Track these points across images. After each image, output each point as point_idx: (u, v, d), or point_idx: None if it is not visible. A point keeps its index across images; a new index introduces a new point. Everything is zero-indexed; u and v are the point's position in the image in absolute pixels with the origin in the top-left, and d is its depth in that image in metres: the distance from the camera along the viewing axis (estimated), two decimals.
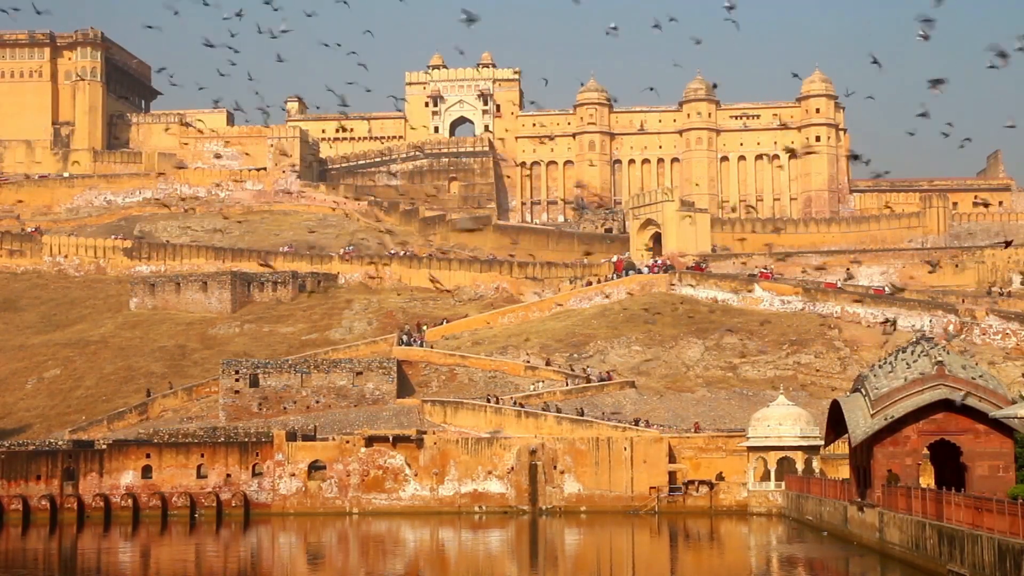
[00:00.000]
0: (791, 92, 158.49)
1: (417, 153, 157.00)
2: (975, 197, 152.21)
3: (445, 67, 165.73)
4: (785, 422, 72.27)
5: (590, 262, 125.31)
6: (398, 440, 78.62)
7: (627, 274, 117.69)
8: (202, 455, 79.35)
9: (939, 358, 50.78)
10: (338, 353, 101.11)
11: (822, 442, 67.30)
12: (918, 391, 50.25)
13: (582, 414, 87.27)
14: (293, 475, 78.39)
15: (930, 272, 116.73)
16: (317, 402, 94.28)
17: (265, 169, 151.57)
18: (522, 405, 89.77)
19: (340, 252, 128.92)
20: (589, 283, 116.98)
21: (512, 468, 77.78)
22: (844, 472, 66.86)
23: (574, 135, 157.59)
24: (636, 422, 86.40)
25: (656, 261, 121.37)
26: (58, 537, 68.98)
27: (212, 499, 77.52)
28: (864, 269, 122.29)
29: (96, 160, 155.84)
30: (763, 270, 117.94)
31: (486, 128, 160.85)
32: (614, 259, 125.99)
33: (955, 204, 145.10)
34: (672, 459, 77.82)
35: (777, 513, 72.06)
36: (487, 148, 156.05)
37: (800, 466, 71.43)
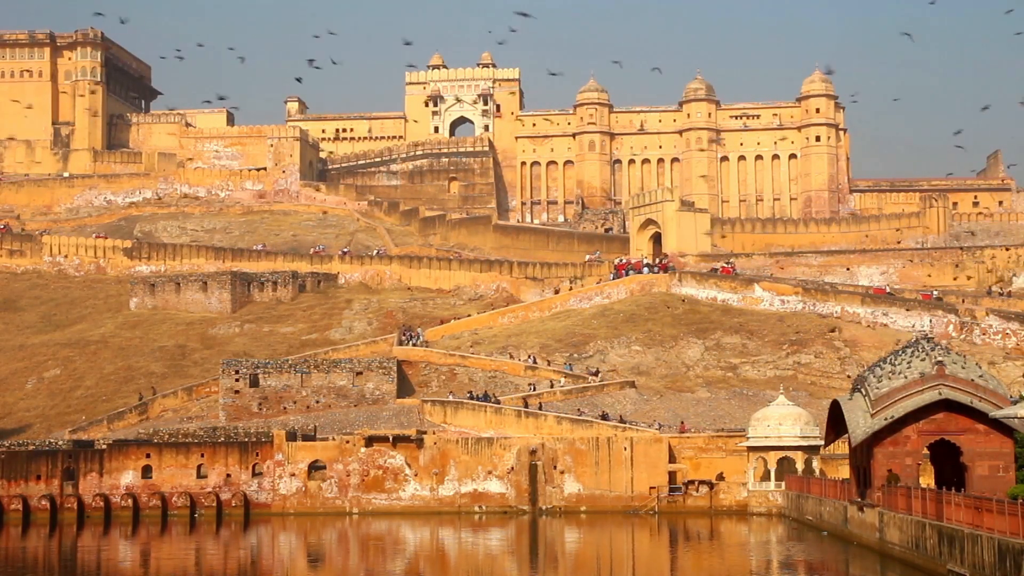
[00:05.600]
0: (791, 92, 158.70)
1: (417, 153, 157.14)
2: (974, 197, 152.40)
3: (445, 67, 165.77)
4: (785, 422, 72.27)
5: (597, 260, 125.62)
6: (398, 440, 78.64)
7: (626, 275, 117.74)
8: (202, 455, 79.36)
9: (939, 358, 50.78)
10: (338, 353, 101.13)
11: (822, 442, 67.30)
12: (918, 391, 50.25)
13: (539, 406, 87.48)
14: (293, 475, 78.41)
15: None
16: (317, 402, 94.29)
17: (265, 169, 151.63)
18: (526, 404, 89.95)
19: (311, 252, 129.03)
20: (575, 283, 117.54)
21: (512, 468, 77.80)
22: (844, 472, 66.88)
23: (574, 135, 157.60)
24: (620, 419, 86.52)
25: (623, 261, 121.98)
26: (58, 537, 68.98)
27: (212, 499, 77.54)
28: (864, 269, 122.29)
29: (96, 160, 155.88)
30: (725, 265, 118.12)
31: (486, 128, 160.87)
32: (587, 258, 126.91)
33: (955, 204, 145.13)
34: (672, 459, 77.84)
35: (777, 513, 72.07)
36: (487, 148, 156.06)
37: (800, 466, 71.44)
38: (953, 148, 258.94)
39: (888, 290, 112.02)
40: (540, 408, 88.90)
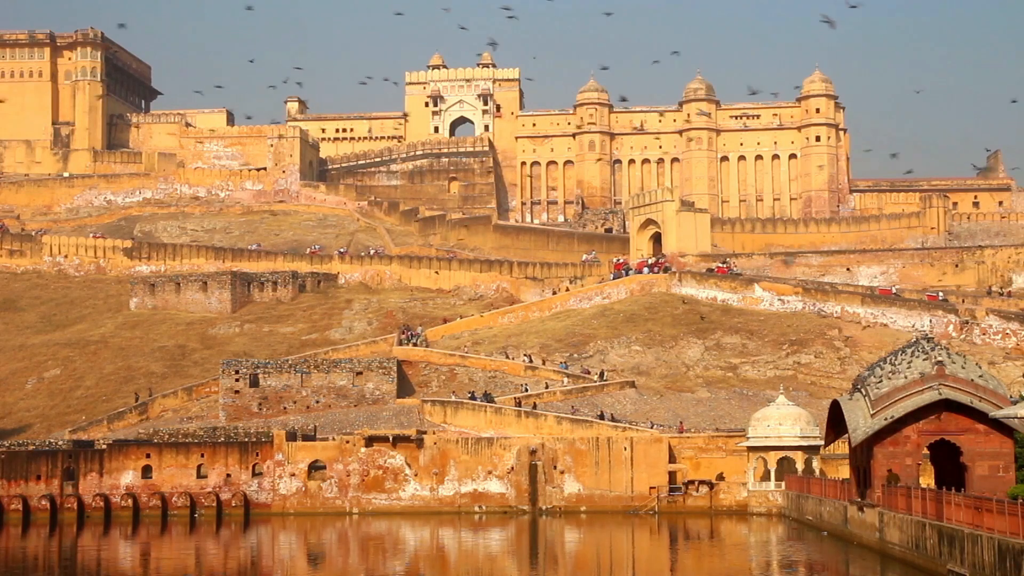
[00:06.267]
0: (791, 92, 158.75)
1: (417, 153, 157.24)
2: (974, 197, 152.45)
3: (445, 67, 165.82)
4: (785, 422, 72.23)
5: (593, 260, 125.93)
6: (398, 440, 78.62)
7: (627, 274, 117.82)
8: (202, 455, 79.32)
9: (939, 358, 50.76)
10: (338, 353, 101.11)
11: (822, 442, 67.27)
12: (918, 391, 50.22)
13: (534, 406, 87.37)
14: (293, 475, 78.39)
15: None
16: (317, 402, 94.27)
17: (265, 169, 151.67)
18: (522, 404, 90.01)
19: (307, 251, 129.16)
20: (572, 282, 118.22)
21: (512, 468, 77.78)
22: (844, 472, 66.86)
23: (574, 135, 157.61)
24: (612, 418, 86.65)
25: (619, 260, 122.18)
26: (58, 537, 68.97)
27: (212, 499, 77.50)
28: (864, 269, 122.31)
29: (96, 160, 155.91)
30: (720, 264, 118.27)
31: (486, 128, 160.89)
32: (583, 258, 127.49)
33: (955, 204, 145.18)
34: (672, 459, 77.82)
35: (777, 513, 72.05)
36: (487, 148, 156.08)
37: (800, 466, 71.42)
38: (952, 148, 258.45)
39: (895, 291, 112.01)
40: (534, 408, 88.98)
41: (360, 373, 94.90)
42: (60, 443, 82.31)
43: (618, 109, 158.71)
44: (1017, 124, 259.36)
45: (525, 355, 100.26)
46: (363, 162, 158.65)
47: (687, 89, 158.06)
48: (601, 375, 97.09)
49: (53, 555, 61.71)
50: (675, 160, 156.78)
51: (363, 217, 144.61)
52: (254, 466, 78.90)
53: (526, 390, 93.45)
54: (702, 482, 76.17)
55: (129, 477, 78.48)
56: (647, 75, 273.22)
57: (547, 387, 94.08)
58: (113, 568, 56.35)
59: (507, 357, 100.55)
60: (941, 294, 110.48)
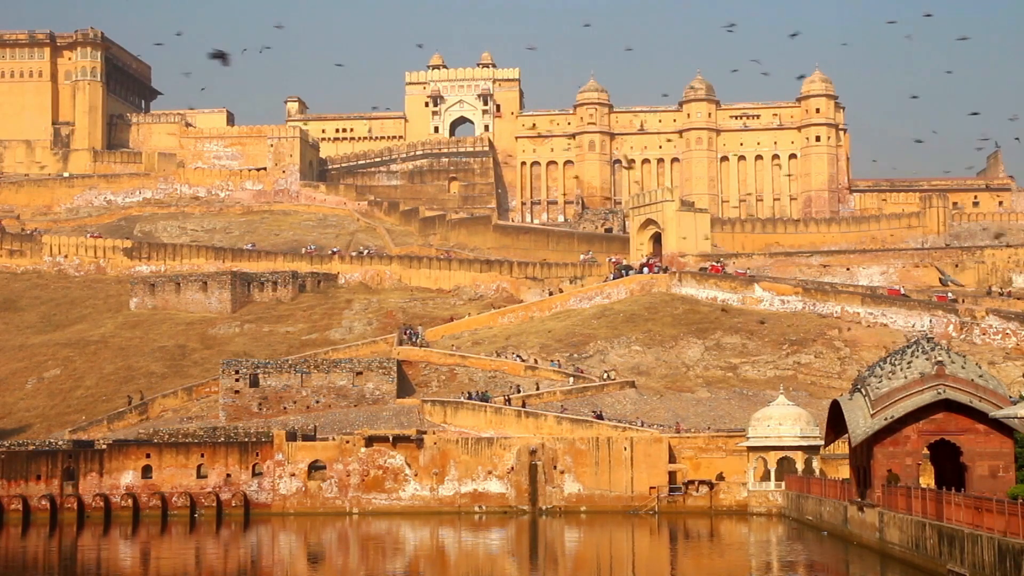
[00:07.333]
0: (791, 92, 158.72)
1: (417, 153, 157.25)
2: (974, 197, 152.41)
3: (445, 67, 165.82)
4: (785, 422, 72.26)
5: (590, 260, 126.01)
6: (398, 440, 78.63)
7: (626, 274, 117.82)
8: (202, 455, 79.35)
9: (939, 358, 50.76)
10: (338, 353, 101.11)
11: (822, 442, 67.31)
12: (918, 391, 50.23)
13: (523, 404, 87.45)
14: (293, 475, 78.40)
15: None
16: (317, 402, 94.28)
17: (265, 169, 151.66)
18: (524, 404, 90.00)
19: (303, 251, 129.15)
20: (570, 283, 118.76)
21: (512, 468, 77.79)
22: (844, 472, 66.89)
23: (574, 135, 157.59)
24: (600, 416, 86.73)
25: (612, 260, 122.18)
26: (58, 537, 68.98)
27: (212, 499, 77.52)
28: (864, 269, 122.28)
29: (96, 160, 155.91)
30: (715, 264, 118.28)
31: (486, 128, 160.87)
32: (581, 258, 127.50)
33: (955, 204, 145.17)
34: (672, 459, 77.83)
35: (777, 513, 72.07)
36: (487, 148, 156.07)
37: (800, 466, 71.44)
38: (952, 148, 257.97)
39: (902, 291, 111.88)
40: (523, 406, 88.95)
41: (360, 373, 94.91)
42: (60, 443, 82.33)
43: (618, 109, 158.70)
44: (1018, 124, 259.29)
45: (515, 355, 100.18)
46: (363, 162, 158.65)
47: (687, 89, 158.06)
48: (606, 376, 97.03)
49: (53, 555, 61.72)
50: (675, 160, 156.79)
51: (363, 217, 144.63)
52: (254, 466, 78.92)
53: (518, 390, 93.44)
54: (702, 482, 76.19)
55: (129, 477, 78.50)
56: (647, 75, 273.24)
57: (538, 387, 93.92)
58: (113, 568, 56.35)
59: (496, 355, 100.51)
60: (950, 295, 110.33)
